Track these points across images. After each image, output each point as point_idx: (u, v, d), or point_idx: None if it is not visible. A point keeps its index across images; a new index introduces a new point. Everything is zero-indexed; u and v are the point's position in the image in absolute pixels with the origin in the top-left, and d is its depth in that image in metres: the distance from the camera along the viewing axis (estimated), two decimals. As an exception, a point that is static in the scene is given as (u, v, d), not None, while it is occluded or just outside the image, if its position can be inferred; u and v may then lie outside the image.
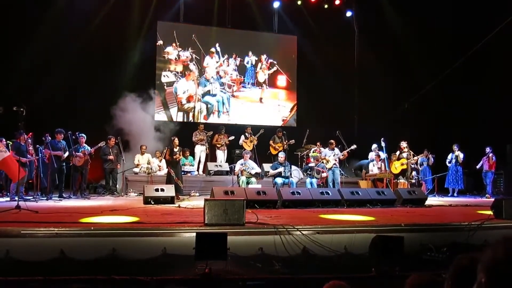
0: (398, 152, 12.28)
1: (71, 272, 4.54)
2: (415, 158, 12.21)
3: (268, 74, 16.59)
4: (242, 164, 11.29)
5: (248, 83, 16.41)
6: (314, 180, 11.50)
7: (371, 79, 15.84)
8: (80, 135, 11.08)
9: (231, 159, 13.72)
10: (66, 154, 10.64)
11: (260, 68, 16.50)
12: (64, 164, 10.66)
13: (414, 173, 12.47)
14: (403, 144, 12.13)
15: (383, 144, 12.75)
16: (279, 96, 16.80)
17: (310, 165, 11.92)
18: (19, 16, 12.43)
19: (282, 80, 16.84)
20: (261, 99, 16.52)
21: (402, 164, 12.08)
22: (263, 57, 16.55)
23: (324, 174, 11.75)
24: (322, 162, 11.93)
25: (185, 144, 13.33)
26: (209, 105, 15.80)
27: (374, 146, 13.07)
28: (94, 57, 13.09)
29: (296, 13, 16.24)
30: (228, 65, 16.12)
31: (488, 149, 12.95)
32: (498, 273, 1.16)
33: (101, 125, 12.74)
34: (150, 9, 14.67)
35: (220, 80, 15.96)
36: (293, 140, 13.75)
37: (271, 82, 16.68)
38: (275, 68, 16.67)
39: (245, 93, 16.35)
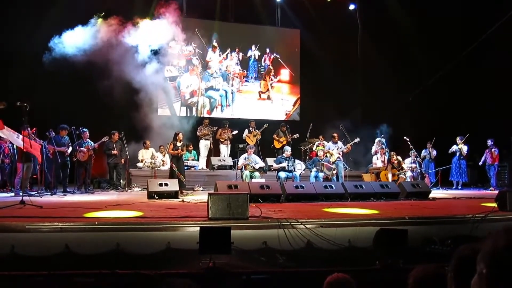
0: (390, 165, 12.47)
1: (75, 267, 4.56)
2: (405, 169, 12.42)
3: (270, 85, 16.61)
4: (245, 159, 11.28)
5: (251, 77, 16.38)
6: (321, 174, 11.48)
7: (374, 72, 15.77)
8: (83, 130, 11.09)
9: (234, 154, 13.73)
10: (70, 149, 10.67)
11: (263, 80, 16.51)
12: (67, 159, 10.68)
13: (409, 171, 12.63)
14: (393, 157, 12.34)
15: (383, 140, 12.84)
16: (282, 90, 16.77)
17: (322, 161, 11.83)
18: (21, 13, 12.41)
19: (285, 74, 16.80)
20: (260, 94, 16.48)
21: (393, 175, 12.21)
22: (272, 76, 16.54)
23: (334, 172, 11.76)
24: (326, 156, 11.93)
25: (188, 138, 13.36)
26: (212, 100, 15.79)
27: (377, 139, 13.09)
28: (96, 54, 13.01)
29: (299, 7, 16.15)
30: (231, 59, 16.09)
31: (490, 142, 12.91)
32: (499, 264, 1.15)
33: (105, 120, 12.74)
34: (152, 4, 14.61)
35: (226, 74, 15.93)
36: (297, 134, 13.78)
37: (275, 76, 16.65)
38: (278, 78, 16.64)
39: (248, 87, 16.33)
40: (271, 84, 16.56)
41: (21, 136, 8.34)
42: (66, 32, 11.96)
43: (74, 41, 11.95)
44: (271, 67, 16.59)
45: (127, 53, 12.60)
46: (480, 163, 13.20)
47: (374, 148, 13.31)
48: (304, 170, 12.51)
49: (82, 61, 11.85)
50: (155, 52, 13.87)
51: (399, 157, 12.50)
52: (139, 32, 12.78)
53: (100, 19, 12.48)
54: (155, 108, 14.55)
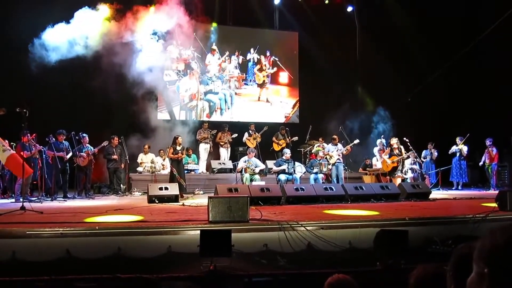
0: (389, 149, 12.31)
1: (76, 272, 4.55)
2: (405, 155, 12.26)
3: (269, 74, 16.57)
4: (245, 161, 11.27)
5: (250, 80, 16.40)
6: (320, 176, 11.50)
7: (373, 73, 15.79)
8: (83, 135, 11.09)
9: (234, 157, 13.74)
10: (69, 155, 10.66)
11: (258, 70, 16.46)
12: (67, 164, 10.67)
13: (407, 169, 12.52)
14: (393, 141, 12.18)
15: (384, 141, 12.83)
16: (281, 93, 16.79)
17: (321, 161, 11.83)
18: (22, 17, 12.38)
19: (284, 77, 16.82)
20: (259, 97, 16.50)
21: (393, 162, 12.11)
22: (263, 58, 16.51)
23: (330, 167, 11.77)
24: (326, 158, 11.95)
25: (188, 142, 13.36)
26: (211, 103, 15.80)
27: (379, 141, 13.08)
28: (95, 59, 12.97)
29: (297, 9, 16.19)
30: (230, 63, 16.10)
31: (488, 142, 12.88)
32: (501, 263, 1.15)
33: (104, 125, 12.72)
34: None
35: (223, 77, 15.95)
36: (296, 137, 13.78)
37: (273, 79, 16.67)
38: (275, 69, 16.64)
39: (247, 90, 16.35)
40: (267, 76, 16.51)
41: (11, 152, 8.30)
42: (57, 26, 11.44)
43: (69, 39, 11.52)
44: (261, 57, 16.57)
45: (126, 53, 12.43)
46: (480, 163, 13.17)
47: (376, 150, 13.28)
48: (304, 173, 12.52)
49: (80, 62, 11.78)
50: (158, 36, 13.67)
51: (402, 146, 12.34)
52: (139, 26, 12.46)
53: (99, 11, 11.99)
54: (154, 112, 14.56)
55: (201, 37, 15.41)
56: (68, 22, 11.52)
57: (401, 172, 12.21)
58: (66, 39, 11.45)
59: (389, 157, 12.14)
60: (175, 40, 14.50)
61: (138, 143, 13.26)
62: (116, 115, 13.14)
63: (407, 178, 12.25)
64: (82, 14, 11.69)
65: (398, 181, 11.47)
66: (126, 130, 12.88)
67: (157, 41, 13.66)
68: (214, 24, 15.70)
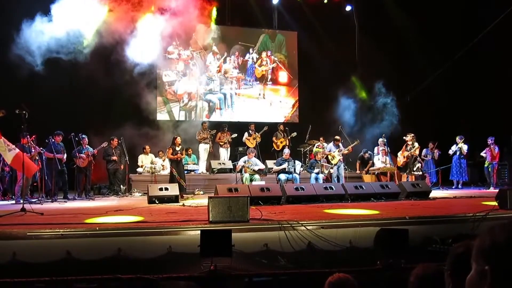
0: (404, 146, 12.38)
1: (77, 273, 4.56)
2: (415, 148, 12.23)
3: (270, 69, 16.55)
4: (245, 161, 11.27)
5: (250, 80, 16.39)
6: (321, 176, 11.50)
7: (372, 73, 15.77)
8: (82, 136, 11.07)
9: (234, 157, 13.73)
10: (65, 156, 10.62)
11: (259, 66, 16.46)
12: (64, 165, 10.62)
13: (418, 165, 12.49)
14: (408, 137, 12.21)
15: (385, 140, 12.84)
16: (281, 93, 16.78)
17: (321, 162, 11.83)
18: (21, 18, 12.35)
19: (283, 76, 16.81)
20: (259, 94, 16.48)
21: (404, 157, 12.12)
22: (264, 54, 16.52)
23: (332, 170, 11.80)
24: (325, 158, 11.95)
25: (188, 142, 13.35)
26: (211, 103, 15.80)
27: (380, 140, 13.08)
28: (94, 59, 12.95)
29: (296, 9, 16.17)
30: (230, 63, 16.09)
31: (490, 140, 12.86)
32: (502, 260, 1.14)
33: (104, 126, 12.72)
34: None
35: (223, 78, 15.94)
36: (295, 133, 13.79)
37: (273, 79, 16.66)
38: (274, 65, 16.63)
39: (246, 90, 16.34)
40: (267, 71, 16.51)
41: (16, 151, 8.28)
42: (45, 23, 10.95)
43: (63, 34, 11.12)
44: (262, 53, 16.56)
45: (122, 42, 12.24)
46: (483, 154, 13.07)
47: (376, 150, 13.28)
48: (302, 169, 12.53)
49: (77, 59, 11.73)
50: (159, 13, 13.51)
51: (416, 144, 12.35)
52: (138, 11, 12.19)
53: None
54: (154, 113, 14.56)
55: (200, 38, 15.40)
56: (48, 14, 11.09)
57: (413, 170, 12.22)
58: (60, 34, 11.09)
59: (402, 153, 12.23)
60: (176, 18, 13.93)
61: (138, 144, 13.21)
62: (115, 108, 13.14)
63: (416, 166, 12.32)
64: (71, 5, 11.16)
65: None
66: (125, 131, 12.84)
67: (161, 14, 13.39)
68: (213, 24, 15.67)
